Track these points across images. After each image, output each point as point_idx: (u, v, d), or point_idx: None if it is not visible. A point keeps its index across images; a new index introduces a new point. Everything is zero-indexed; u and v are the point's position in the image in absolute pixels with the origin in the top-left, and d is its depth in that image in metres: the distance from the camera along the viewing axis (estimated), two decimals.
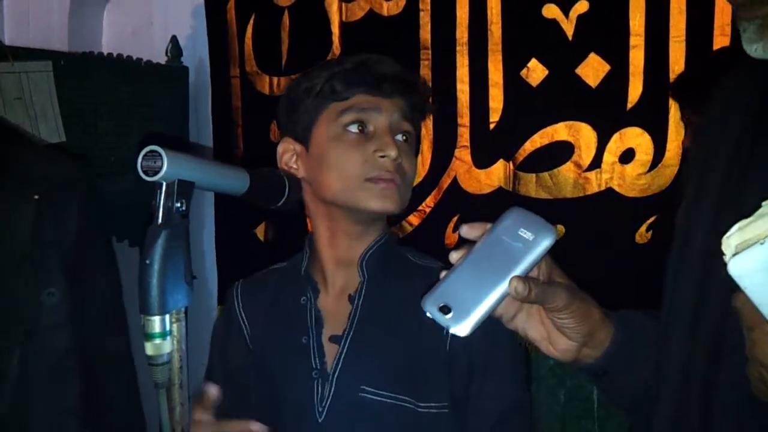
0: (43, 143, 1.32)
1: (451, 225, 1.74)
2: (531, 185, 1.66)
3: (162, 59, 2.15)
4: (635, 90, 1.56)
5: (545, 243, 0.75)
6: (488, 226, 0.78)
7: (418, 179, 1.77)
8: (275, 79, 1.99)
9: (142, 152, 0.75)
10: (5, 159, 1.10)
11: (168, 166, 0.74)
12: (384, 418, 1.08)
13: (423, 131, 1.76)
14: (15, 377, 1.04)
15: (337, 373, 1.09)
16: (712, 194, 0.85)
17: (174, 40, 2.14)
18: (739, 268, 0.61)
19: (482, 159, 1.71)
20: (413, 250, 1.23)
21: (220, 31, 2.07)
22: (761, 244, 0.60)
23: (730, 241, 0.63)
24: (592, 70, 1.59)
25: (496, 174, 1.70)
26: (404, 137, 1.12)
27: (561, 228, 1.63)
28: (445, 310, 0.73)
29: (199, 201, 2.16)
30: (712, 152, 0.89)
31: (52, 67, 1.79)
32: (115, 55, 2.08)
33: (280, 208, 1.00)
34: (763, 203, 0.63)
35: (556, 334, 0.80)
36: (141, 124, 2.01)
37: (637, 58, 1.55)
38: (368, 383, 1.08)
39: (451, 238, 1.74)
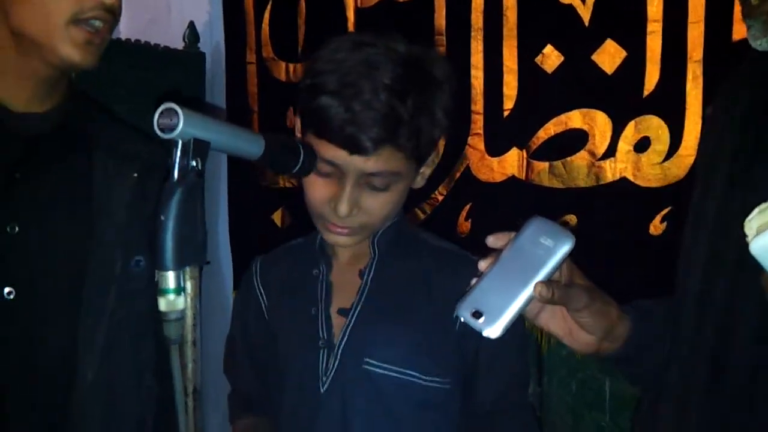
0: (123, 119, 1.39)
1: (464, 213, 1.72)
2: (544, 174, 1.64)
3: (179, 46, 2.16)
4: (652, 77, 1.52)
5: (565, 249, 0.82)
6: (512, 235, 0.85)
7: None
8: (291, 66, 1.98)
9: (159, 109, 0.75)
10: (114, 138, 1.16)
11: (184, 124, 0.75)
12: (386, 391, 1.10)
13: None
14: (101, 348, 1.09)
15: (342, 345, 1.12)
16: (722, 178, 0.89)
17: (191, 25, 2.15)
18: (761, 247, 0.66)
19: (495, 147, 1.69)
20: (430, 233, 1.24)
21: (236, 17, 2.07)
22: None
23: (751, 224, 0.67)
24: (609, 56, 1.56)
25: (509, 162, 1.67)
26: (378, 182, 1.06)
27: (573, 218, 1.61)
28: (477, 315, 0.81)
29: (213, 189, 2.16)
30: (721, 140, 0.91)
31: None
32: (132, 40, 2.09)
33: (295, 175, 1.02)
34: None
35: (577, 330, 0.87)
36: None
37: (654, 44, 1.51)
38: (372, 356, 1.11)
39: (463, 226, 1.73)
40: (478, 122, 1.70)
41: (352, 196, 1.04)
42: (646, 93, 1.53)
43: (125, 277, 1.12)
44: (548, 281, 0.82)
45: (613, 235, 1.57)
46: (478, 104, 1.70)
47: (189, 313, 0.78)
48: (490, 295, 0.82)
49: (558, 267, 0.83)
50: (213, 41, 2.20)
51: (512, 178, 1.67)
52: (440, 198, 1.75)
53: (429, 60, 1.10)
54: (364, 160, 1.03)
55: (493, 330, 0.81)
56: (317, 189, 1.07)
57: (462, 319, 0.82)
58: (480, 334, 0.81)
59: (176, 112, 0.75)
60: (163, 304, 0.76)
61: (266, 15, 2.00)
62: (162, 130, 0.75)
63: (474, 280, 0.85)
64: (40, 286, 1.08)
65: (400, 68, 1.03)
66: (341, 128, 1.01)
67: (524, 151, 1.66)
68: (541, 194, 1.63)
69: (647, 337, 0.92)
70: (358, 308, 1.14)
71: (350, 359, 1.11)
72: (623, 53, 1.55)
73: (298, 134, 1.14)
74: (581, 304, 0.84)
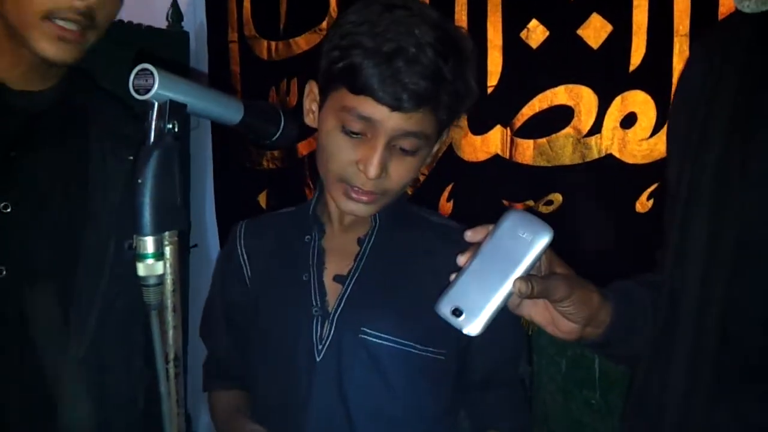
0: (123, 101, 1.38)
1: (446, 194, 1.69)
2: (529, 152, 1.60)
3: (163, 25, 2.13)
4: (638, 51, 1.48)
5: (543, 242, 0.82)
6: (490, 228, 0.84)
7: None
8: (273, 44, 1.95)
9: (135, 70, 0.75)
10: (110, 117, 1.17)
11: (159, 86, 0.74)
12: (382, 360, 1.09)
13: None
14: (93, 328, 1.10)
15: (338, 313, 1.09)
16: (717, 143, 0.86)
17: (174, 4, 2.12)
18: None
19: (479, 125, 1.65)
20: (428, 210, 1.23)
21: None
22: None
23: None
24: (594, 30, 1.51)
25: (493, 140, 1.63)
26: (407, 149, 1.04)
27: (559, 196, 1.57)
28: (456, 312, 0.81)
29: (200, 172, 2.14)
30: (712, 104, 0.88)
31: None
32: (116, 20, 2.05)
33: (276, 145, 0.99)
34: None
35: (559, 318, 0.88)
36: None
37: (640, 17, 1.47)
38: (369, 325, 1.09)
39: (445, 207, 1.69)
40: None
41: (383, 158, 1.01)
42: (632, 68, 1.49)
43: (118, 261, 1.11)
44: (528, 276, 0.82)
45: (599, 213, 1.53)
46: None
47: (168, 279, 0.77)
48: (470, 291, 0.82)
49: (537, 260, 0.83)
50: (196, 20, 2.17)
51: (496, 157, 1.63)
52: (422, 178, 1.72)
53: (457, 29, 1.10)
54: (405, 118, 0.99)
55: (473, 327, 0.81)
56: (344, 149, 1.03)
57: (441, 317, 0.82)
58: (460, 331, 0.81)
59: (151, 73, 0.74)
60: (141, 269, 0.76)
61: None
62: (137, 91, 0.75)
63: (453, 276, 0.84)
64: (32, 266, 1.07)
65: (439, 31, 1.01)
66: (384, 83, 0.97)
67: (508, 128, 1.62)
68: (526, 173, 1.60)
69: (629, 320, 0.92)
70: (356, 276, 1.11)
71: (346, 328, 1.09)
72: (609, 27, 1.50)
73: (313, 102, 1.10)
74: (561, 295, 0.84)
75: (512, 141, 1.62)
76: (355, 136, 1.02)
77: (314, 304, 1.10)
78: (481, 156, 1.65)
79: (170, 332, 0.78)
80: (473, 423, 1.18)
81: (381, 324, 1.08)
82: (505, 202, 1.62)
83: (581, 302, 0.86)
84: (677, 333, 0.88)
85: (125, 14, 2.08)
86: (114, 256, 1.11)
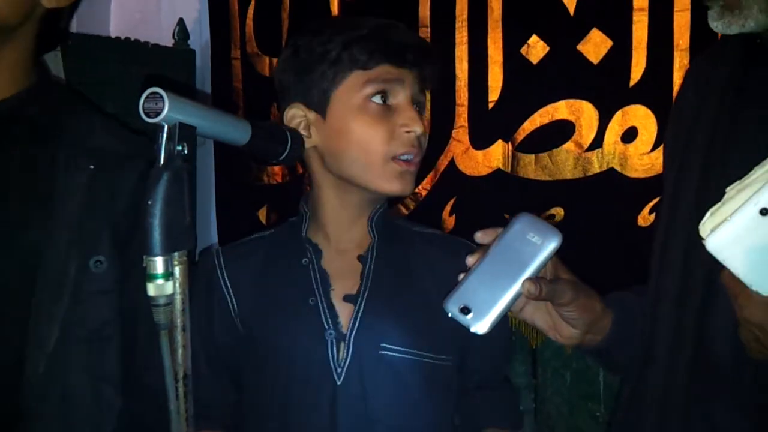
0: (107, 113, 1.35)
1: (448, 208, 1.69)
2: (530, 166, 1.60)
3: (169, 43, 2.14)
4: (639, 66, 1.49)
5: (552, 246, 0.84)
6: (499, 230, 0.86)
7: None
8: (275, 60, 1.96)
9: (144, 94, 0.76)
10: (67, 127, 1.11)
11: (169, 109, 0.75)
12: (403, 374, 1.09)
13: None
14: (56, 339, 1.04)
15: (354, 332, 1.08)
16: (696, 166, 0.92)
17: (181, 23, 2.13)
18: (714, 244, 0.72)
19: (480, 139, 1.65)
20: (404, 219, 1.24)
21: (221, 13, 2.05)
22: (728, 222, 0.71)
23: (705, 226, 0.74)
24: (594, 46, 1.53)
25: (495, 155, 1.64)
26: (420, 99, 1.11)
27: (560, 210, 1.57)
28: (465, 311, 0.82)
29: (204, 188, 2.14)
30: (693, 129, 0.92)
31: (60, 48, 1.78)
32: (123, 38, 2.07)
33: (282, 163, 1.01)
34: (727, 189, 0.74)
35: (561, 323, 0.90)
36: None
37: (640, 32, 1.48)
38: (387, 340, 1.08)
39: (448, 221, 1.69)
40: (462, 114, 1.67)
41: (416, 112, 1.09)
42: (632, 82, 1.50)
43: (82, 279, 1.06)
44: (536, 278, 0.83)
45: (601, 227, 1.54)
46: (462, 96, 1.67)
47: (178, 298, 0.78)
48: (479, 291, 0.83)
49: (545, 264, 0.84)
50: (202, 38, 2.18)
51: (498, 171, 1.64)
52: (424, 193, 1.72)
53: None
54: (414, 74, 1.09)
55: (482, 326, 0.82)
56: (376, 123, 1.06)
57: (450, 314, 0.83)
58: (468, 329, 0.82)
59: (161, 97, 0.75)
60: (151, 290, 0.76)
61: (250, 10, 1.99)
62: (147, 114, 0.76)
63: (461, 276, 0.85)
64: None
65: None
66: (389, 47, 1.07)
67: (509, 143, 1.62)
68: (527, 187, 1.60)
69: (628, 329, 0.94)
70: (366, 293, 1.10)
71: (365, 347, 1.07)
72: (609, 42, 1.52)
73: (302, 119, 1.11)
74: (567, 299, 0.86)
75: (514, 155, 1.62)
76: (383, 103, 1.07)
77: (327, 327, 1.08)
78: (483, 170, 1.66)
79: (180, 351, 0.79)
80: (466, 424, 1.18)
81: (397, 338, 1.08)
82: (507, 217, 1.61)
83: (584, 308, 0.89)
84: (656, 345, 0.91)
85: (132, 33, 2.12)
86: (77, 276, 1.05)
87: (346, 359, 1.07)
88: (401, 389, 1.09)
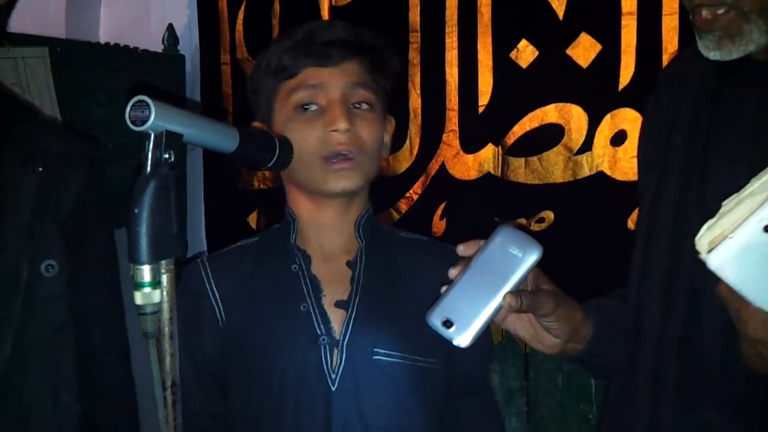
0: (50, 118, 1.33)
1: (439, 212, 1.69)
2: (520, 170, 1.61)
3: (159, 49, 2.13)
4: (627, 70, 1.50)
5: (532, 259, 0.85)
6: (481, 243, 0.87)
7: (405, 165, 1.73)
8: None
9: (131, 102, 0.76)
10: (12, 131, 1.10)
11: (155, 117, 0.75)
12: (396, 379, 1.09)
13: (411, 116, 1.72)
14: (12, 343, 1.04)
15: (347, 338, 1.08)
16: (676, 174, 0.94)
17: (170, 28, 2.12)
18: (716, 261, 0.72)
19: (470, 143, 1.66)
20: (389, 224, 1.24)
21: (211, 19, 2.05)
22: (730, 238, 0.71)
23: (702, 241, 0.74)
24: (583, 50, 1.54)
25: (485, 158, 1.64)
26: (362, 105, 1.09)
27: (550, 214, 1.58)
28: (447, 324, 0.84)
29: (191, 192, 2.13)
30: (671, 138, 0.93)
31: (49, 54, 1.78)
32: (112, 44, 2.07)
33: (271, 169, 1.03)
34: (723, 203, 0.74)
35: (543, 333, 0.92)
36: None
37: (629, 37, 1.50)
38: (380, 345, 1.09)
39: (438, 225, 1.70)
40: (453, 119, 1.68)
41: (344, 111, 1.07)
42: (621, 86, 1.51)
43: (34, 284, 1.05)
44: (517, 291, 0.85)
45: (591, 230, 1.54)
46: (452, 101, 1.67)
47: (165, 307, 0.78)
48: (461, 304, 0.85)
49: (526, 276, 0.86)
50: (192, 43, 2.17)
51: (488, 175, 1.64)
52: (415, 197, 1.72)
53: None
54: (343, 71, 1.08)
55: (464, 339, 0.84)
56: (309, 126, 1.07)
57: (432, 328, 0.85)
58: (450, 342, 0.84)
59: (147, 105, 0.75)
60: (138, 298, 0.76)
61: (240, 15, 1.98)
62: (134, 122, 0.76)
63: (444, 288, 0.87)
64: None
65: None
66: (310, 50, 1.08)
67: (500, 147, 1.63)
68: (517, 191, 1.61)
69: (608, 336, 0.96)
70: (357, 299, 1.10)
71: (358, 352, 1.08)
72: (598, 47, 1.53)
73: (258, 123, 1.14)
74: (547, 310, 0.88)
75: (504, 159, 1.63)
76: (311, 108, 1.08)
77: (320, 332, 1.08)
78: (473, 174, 1.66)
79: (167, 359, 0.79)
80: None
81: (389, 343, 1.09)
82: (497, 220, 1.62)
83: (565, 318, 0.90)
84: (642, 351, 0.93)
85: (121, 39, 2.11)
86: (29, 281, 1.04)
87: (339, 365, 1.07)
88: (394, 393, 1.09)
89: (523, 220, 1.60)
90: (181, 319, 1.18)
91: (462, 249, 0.89)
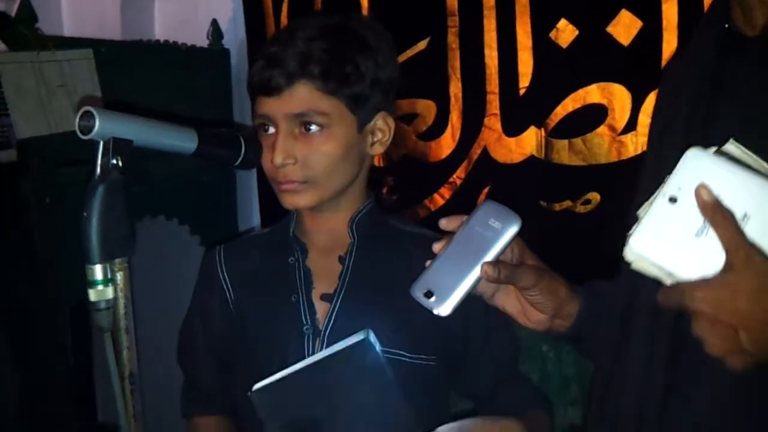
0: None
1: (482, 197, 1.69)
2: (564, 152, 1.60)
3: (204, 44, 2.19)
4: (669, 46, 1.46)
5: (512, 230, 0.88)
6: (464, 218, 0.91)
7: (447, 151, 1.74)
8: None
9: (78, 113, 0.83)
10: None
11: (100, 125, 0.82)
12: None
13: (452, 101, 1.72)
14: None
15: (328, 330, 1.14)
16: (676, 150, 0.87)
17: (214, 23, 2.17)
18: (634, 249, 0.70)
19: (512, 127, 1.65)
20: (399, 218, 1.26)
21: (256, 13, 2.08)
22: (641, 223, 0.71)
23: (626, 252, 0.72)
24: (624, 27, 1.50)
25: (528, 142, 1.63)
26: (311, 127, 1.09)
27: (596, 195, 1.56)
28: (428, 294, 0.87)
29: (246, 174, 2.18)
30: (669, 124, 0.92)
31: (93, 55, 1.84)
32: (162, 41, 2.13)
33: (240, 168, 1.07)
34: (638, 212, 0.73)
35: (529, 308, 0.94)
36: (186, 106, 2.05)
37: (670, 12, 1.46)
38: None
39: None
40: (493, 102, 1.67)
41: (283, 144, 1.08)
42: (664, 63, 1.47)
43: None
44: (495, 261, 0.87)
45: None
46: (493, 84, 1.66)
47: (120, 302, 0.85)
48: (442, 275, 0.88)
49: (506, 248, 0.89)
50: (237, 38, 2.22)
51: (531, 158, 1.63)
52: (459, 182, 1.73)
53: (359, 23, 1.16)
54: (287, 99, 1.07)
55: (443, 308, 0.86)
56: (266, 149, 1.11)
57: (415, 299, 0.87)
58: (431, 312, 0.86)
59: (93, 115, 0.81)
60: (92, 295, 0.83)
61: (284, 8, 2.01)
62: (81, 131, 0.82)
63: (428, 262, 0.90)
64: None
65: (320, 23, 1.12)
66: (260, 74, 1.08)
67: (542, 129, 1.62)
68: (562, 173, 1.59)
69: (597, 314, 0.97)
70: (342, 293, 1.16)
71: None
72: (639, 23, 1.49)
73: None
74: (529, 282, 0.90)
75: (547, 141, 1.62)
76: (268, 131, 1.10)
77: (304, 322, 1.14)
78: (517, 158, 1.65)
79: (124, 353, 0.86)
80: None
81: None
82: (543, 203, 1.61)
83: (549, 292, 0.92)
84: (632, 334, 0.91)
85: (166, 35, 2.17)
86: None
87: None
88: None
89: (568, 202, 1.59)
90: (196, 293, 1.29)
91: (444, 223, 0.92)
